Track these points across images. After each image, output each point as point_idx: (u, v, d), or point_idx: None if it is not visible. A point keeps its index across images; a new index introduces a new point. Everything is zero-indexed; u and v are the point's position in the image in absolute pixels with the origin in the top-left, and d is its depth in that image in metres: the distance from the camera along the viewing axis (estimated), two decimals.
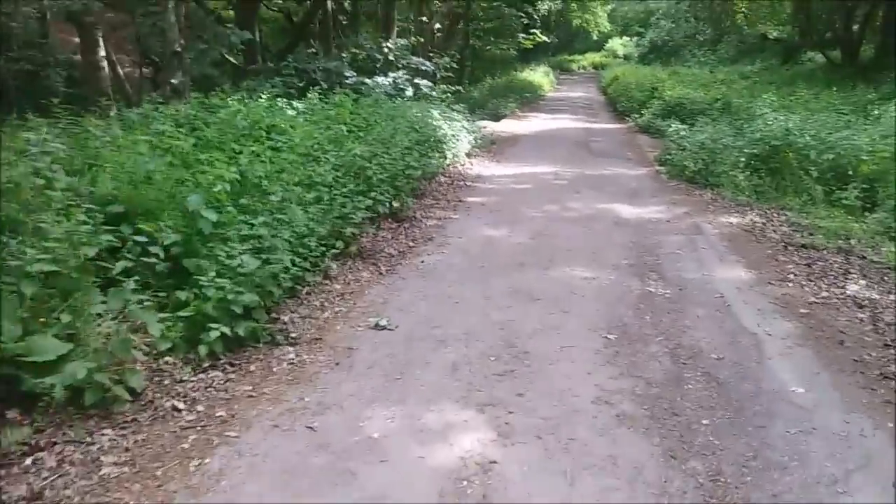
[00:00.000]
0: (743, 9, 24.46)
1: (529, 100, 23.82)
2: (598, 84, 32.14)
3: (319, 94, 10.35)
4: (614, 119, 19.83)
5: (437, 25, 23.24)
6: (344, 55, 14.20)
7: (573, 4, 40.93)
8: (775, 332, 4.74)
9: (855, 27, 24.98)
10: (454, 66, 17.05)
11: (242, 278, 4.28)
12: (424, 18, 21.42)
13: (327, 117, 8.89)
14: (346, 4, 19.62)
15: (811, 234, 7.26)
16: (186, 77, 11.55)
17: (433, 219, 7.77)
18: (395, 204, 7.44)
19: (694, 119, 15.49)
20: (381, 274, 5.75)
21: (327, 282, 5.40)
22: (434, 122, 10.78)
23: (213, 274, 4.16)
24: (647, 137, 15.70)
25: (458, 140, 11.61)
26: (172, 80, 10.76)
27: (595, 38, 49.02)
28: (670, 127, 12.74)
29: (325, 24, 16.91)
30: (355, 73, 12.71)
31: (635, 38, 44.20)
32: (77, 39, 13.86)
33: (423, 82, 13.49)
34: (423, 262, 6.14)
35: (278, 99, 9.76)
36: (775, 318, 5.02)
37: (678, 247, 6.89)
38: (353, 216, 6.07)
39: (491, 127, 16.77)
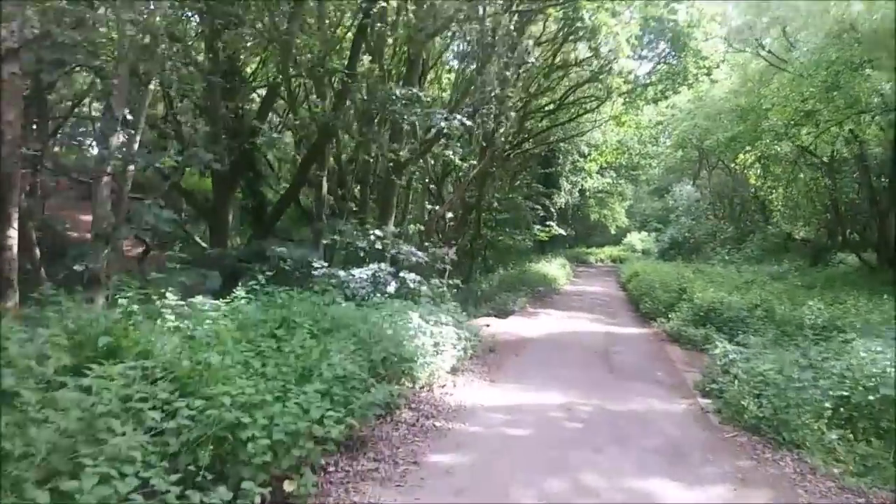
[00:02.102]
0: (779, 207, 22.16)
1: (543, 294, 21.06)
2: (616, 278, 29.54)
3: (258, 288, 7.58)
4: (637, 321, 16.76)
5: (450, 214, 21.22)
6: (325, 241, 11.70)
7: (591, 200, 39.76)
8: None
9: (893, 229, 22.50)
10: (454, 258, 14.47)
11: None
12: (437, 207, 19.38)
13: (238, 328, 6.00)
14: (354, 190, 17.70)
15: None
16: (115, 262, 8.95)
17: None
18: (289, 488, 4.25)
19: (733, 329, 12.53)
20: None
21: None
22: (405, 331, 7.80)
23: None
24: (679, 349, 12.54)
25: (440, 352, 8.57)
26: (76, 267, 8.10)
27: (613, 231, 47.57)
28: (716, 346, 9.59)
29: (318, 207, 14.73)
30: (326, 264, 10.05)
31: (654, 234, 42.43)
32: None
33: (411, 276, 10.75)
34: None
35: (198, 298, 6.95)
36: None
37: None
38: None
39: (495, 326, 13.82)
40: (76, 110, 18.38)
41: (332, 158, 17.31)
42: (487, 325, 13.71)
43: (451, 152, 17.45)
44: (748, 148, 21.90)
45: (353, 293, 9.91)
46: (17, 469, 2.97)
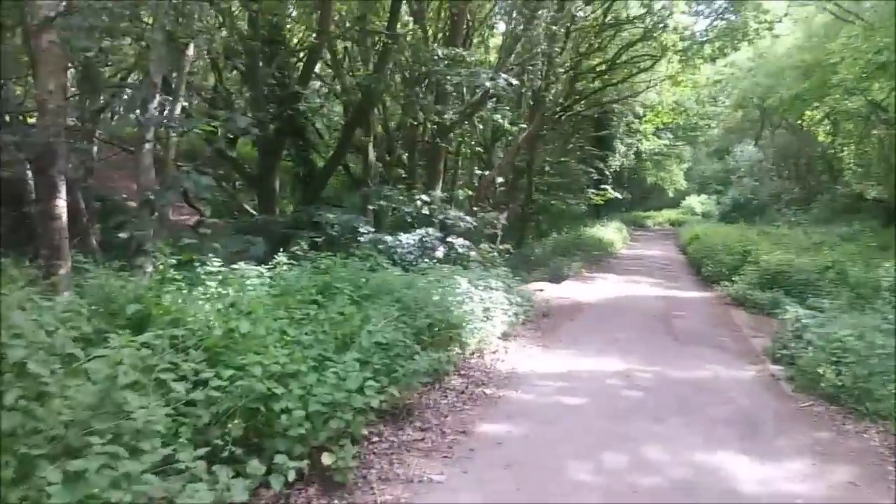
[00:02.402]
0: (850, 165, 20.74)
1: (598, 258, 20.35)
2: (676, 242, 28.42)
3: (301, 254, 7.34)
4: (699, 285, 15.98)
5: (500, 179, 20.63)
6: (372, 207, 11.40)
7: (647, 162, 38.39)
8: None
9: None
10: (504, 223, 13.96)
11: None
12: (486, 172, 18.83)
13: (280, 294, 5.75)
14: (402, 156, 17.32)
15: None
16: (162, 230, 8.86)
17: (397, 483, 4.18)
18: (327, 460, 3.96)
19: (802, 293, 11.75)
20: None
21: None
22: (453, 297, 7.42)
23: None
24: (745, 313, 11.81)
25: (490, 317, 8.18)
26: (126, 234, 7.96)
27: (671, 194, 45.96)
28: (786, 310, 8.92)
29: (365, 172, 14.47)
30: (372, 230, 9.76)
31: (714, 196, 40.72)
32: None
33: (459, 241, 10.36)
34: None
35: (241, 264, 6.73)
36: None
37: None
38: None
39: (549, 291, 13.33)
40: (129, 80, 18.44)
41: (379, 125, 16.99)
42: (541, 290, 13.25)
43: (499, 116, 16.86)
44: (816, 104, 20.46)
45: (400, 258, 9.61)
46: (26, 446, 2.74)
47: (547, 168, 23.38)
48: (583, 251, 19.74)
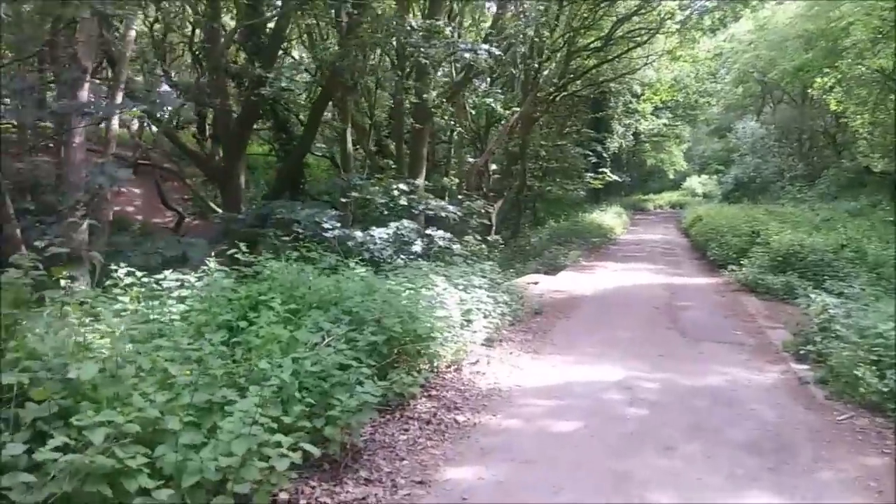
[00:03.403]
0: (864, 135, 19.38)
1: (597, 245, 19.13)
2: (677, 225, 27.14)
3: (240, 257, 6.15)
4: (704, 270, 14.74)
5: (493, 166, 19.38)
6: (344, 199, 10.21)
7: (646, 144, 37.01)
8: None
9: None
10: (489, 210, 12.73)
11: None
12: (477, 159, 17.59)
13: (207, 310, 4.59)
14: (391, 146, 16.11)
15: None
16: (96, 239, 7.75)
17: None
18: None
19: (818, 275, 10.61)
20: None
21: None
22: (425, 301, 6.22)
23: None
24: (757, 300, 10.61)
25: (470, 322, 6.99)
26: (37, 242, 6.79)
27: (671, 176, 44.55)
28: (808, 297, 7.70)
29: (344, 163, 13.30)
30: (338, 224, 8.56)
31: (715, 176, 39.29)
32: None
33: (439, 233, 9.16)
34: None
35: (166, 275, 5.54)
36: None
37: None
38: None
39: (544, 284, 12.14)
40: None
41: (366, 115, 15.81)
42: (535, 283, 12.09)
43: (491, 100, 15.63)
44: (826, 70, 19.10)
45: (372, 256, 8.43)
46: None
47: (542, 153, 22.12)
48: (581, 238, 18.56)
